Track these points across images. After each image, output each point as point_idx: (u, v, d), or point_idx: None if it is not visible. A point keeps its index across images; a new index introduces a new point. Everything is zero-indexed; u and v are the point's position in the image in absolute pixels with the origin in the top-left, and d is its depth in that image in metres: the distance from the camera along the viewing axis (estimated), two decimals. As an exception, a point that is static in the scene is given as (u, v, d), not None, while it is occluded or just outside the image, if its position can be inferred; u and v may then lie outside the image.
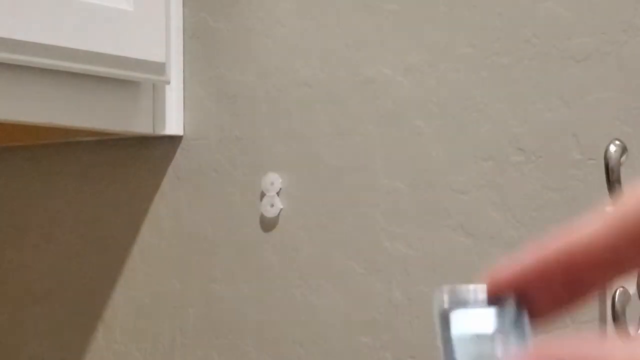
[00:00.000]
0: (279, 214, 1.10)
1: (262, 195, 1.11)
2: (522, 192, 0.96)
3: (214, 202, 1.15)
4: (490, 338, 0.42)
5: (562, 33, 0.95)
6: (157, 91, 1.15)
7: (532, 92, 0.96)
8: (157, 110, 1.15)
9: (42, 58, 0.99)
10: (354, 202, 1.05)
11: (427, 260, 1.01)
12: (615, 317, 0.86)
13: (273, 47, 1.11)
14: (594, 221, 0.34)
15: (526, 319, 0.41)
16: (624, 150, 0.85)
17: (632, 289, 0.88)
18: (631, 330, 0.87)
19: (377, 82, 1.04)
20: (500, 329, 0.41)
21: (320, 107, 1.08)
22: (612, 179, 0.84)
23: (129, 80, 1.10)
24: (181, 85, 1.17)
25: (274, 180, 1.10)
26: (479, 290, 0.41)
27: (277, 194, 1.10)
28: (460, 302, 0.41)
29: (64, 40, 1.00)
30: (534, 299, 0.38)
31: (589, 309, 0.93)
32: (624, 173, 0.85)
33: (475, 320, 0.42)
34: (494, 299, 0.42)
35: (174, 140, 1.17)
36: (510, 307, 0.41)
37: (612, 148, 0.85)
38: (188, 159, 1.17)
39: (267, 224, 1.10)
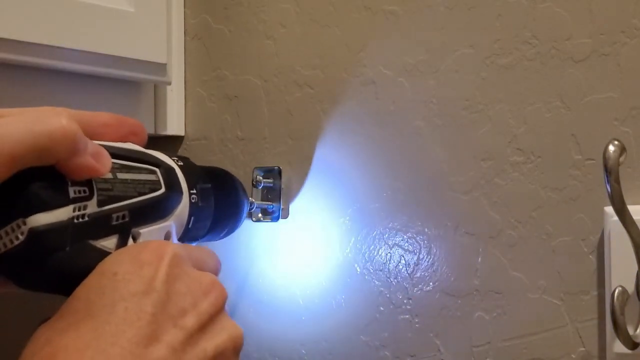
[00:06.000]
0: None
1: (263, 195, 1.11)
2: (522, 192, 0.97)
3: (214, 202, 1.15)
4: None
5: (561, 34, 0.95)
6: (158, 92, 1.15)
7: (531, 93, 0.96)
8: (159, 111, 1.15)
9: (43, 59, 0.99)
10: (354, 201, 1.06)
11: (427, 260, 1.01)
12: (615, 317, 0.86)
13: (274, 48, 1.11)
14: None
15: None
16: (622, 150, 0.85)
17: (631, 289, 0.89)
18: (630, 329, 0.87)
19: (377, 82, 1.04)
20: None
21: (320, 107, 1.08)
22: (611, 179, 0.85)
23: (130, 81, 1.10)
24: (182, 86, 1.17)
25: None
26: None
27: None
28: None
29: (64, 41, 1.00)
30: None
31: (588, 309, 0.94)
32: (622, 173, 0.85)
33: None
34: None
35: (176, 140, 1.17)
36: None
37: (611, 148, 0.85)
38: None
39: (268, 224, 1.10)
